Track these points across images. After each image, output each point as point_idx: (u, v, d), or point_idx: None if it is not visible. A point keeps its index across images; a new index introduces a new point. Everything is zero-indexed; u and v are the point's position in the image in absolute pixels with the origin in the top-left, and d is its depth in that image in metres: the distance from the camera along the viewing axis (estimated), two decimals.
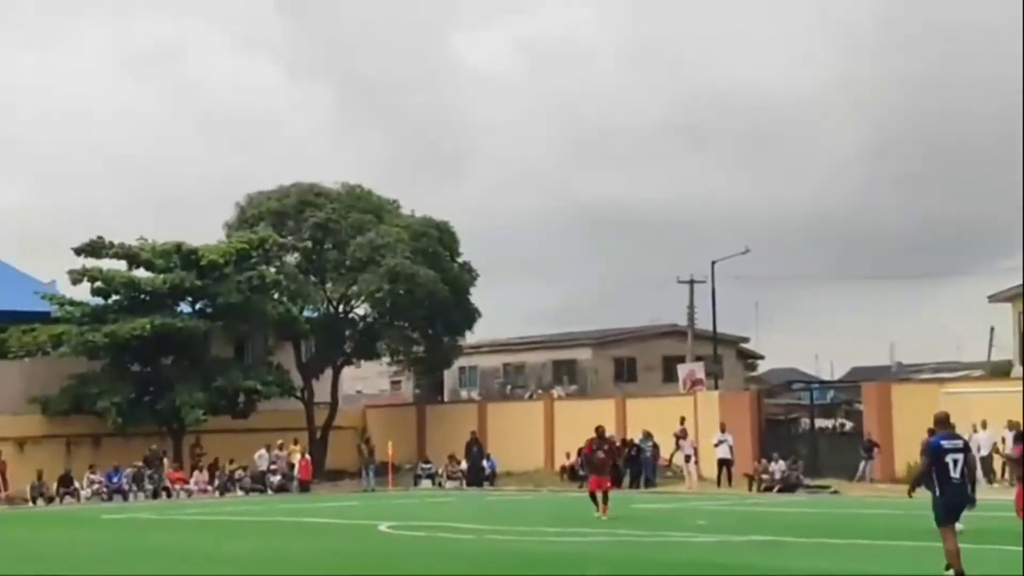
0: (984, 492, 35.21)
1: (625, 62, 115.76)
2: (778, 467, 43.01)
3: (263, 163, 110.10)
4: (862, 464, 42.79)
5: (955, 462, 16.66)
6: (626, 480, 44.95)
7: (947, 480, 16.63)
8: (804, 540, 24.01)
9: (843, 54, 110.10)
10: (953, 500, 16.75)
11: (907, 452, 40.90)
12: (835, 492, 40.33)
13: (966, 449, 17.22)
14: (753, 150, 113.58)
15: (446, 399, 69.04)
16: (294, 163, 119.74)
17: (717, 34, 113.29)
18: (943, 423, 17.39)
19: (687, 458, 44.66)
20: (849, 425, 48.91)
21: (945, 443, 16.80)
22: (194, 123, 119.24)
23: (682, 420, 46.04)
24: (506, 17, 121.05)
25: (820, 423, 49.36)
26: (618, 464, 33.91)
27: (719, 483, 44.10)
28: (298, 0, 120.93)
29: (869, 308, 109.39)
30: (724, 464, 44.45)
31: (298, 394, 53.17)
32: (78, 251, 48.70)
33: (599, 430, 31.88)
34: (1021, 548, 18.97)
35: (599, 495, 30.00)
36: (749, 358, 78.14)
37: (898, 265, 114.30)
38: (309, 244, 52.05)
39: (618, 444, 45.37)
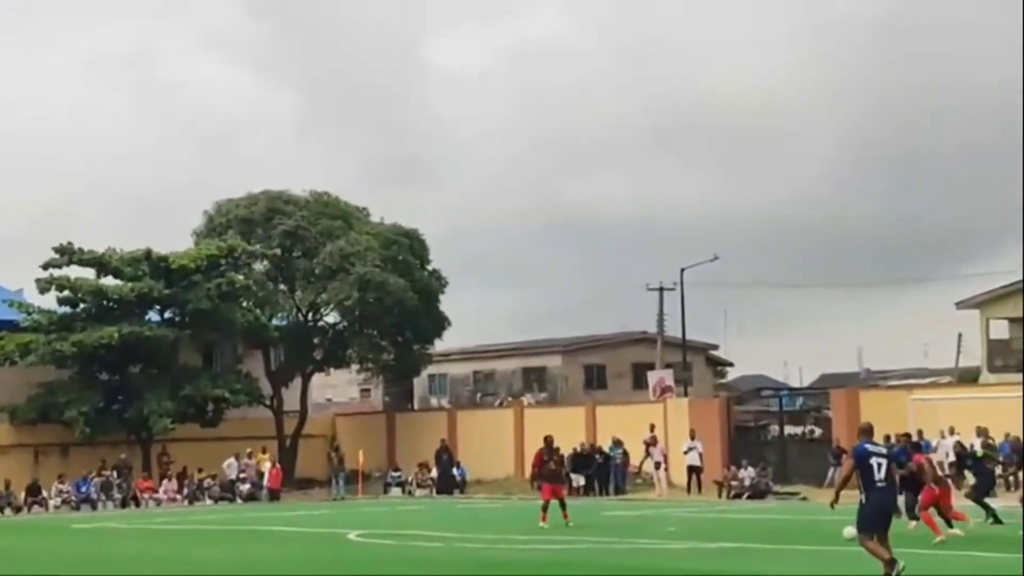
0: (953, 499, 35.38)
1: (597, 67, 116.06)
2: (747, 474, 43.10)
3: (231, 169, 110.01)
4: (831, 471, 42.88)
5: (879, 465, 17.24)
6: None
7: (872, 484, 17.18)
8: (773, 546, 24.08)
9: (814, 60, 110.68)
10: (879, 503, 17.22)
11: None
12: (804, 499, 40.40)
13: (890, 457, 17.82)
14: (723, 156, 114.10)
15: (416, 407, 68.93)
16: (263, 168, 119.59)
17: (691, 38, 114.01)
18: (868, 432, 17.91)
19: (657, 465, 44.72)
20: (818, 432, 48.99)
21: (869, 447, 17.42)
22: (162, 127, 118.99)
23: (652, 427, 46.11)
24: (477, 21, 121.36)
25: (789, 430, 49.49)
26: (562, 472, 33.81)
27: (689, 490, 44.20)
28: (268, 4, 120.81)
29: (838, 315, 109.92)
30: (694, 471, 44.53)
31: (267, 402, 53.05)
32: (46, 265, 48.40)
33: (547, 440, 32.06)
34: (1021, 554, 19.21)
35: (553, 503, 29.93)
36: (718, 365, 78.34)
37: (866, 272, 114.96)
38: (278, 252, 51.88)
39: (587, 450, 45.68)
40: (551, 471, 31.13)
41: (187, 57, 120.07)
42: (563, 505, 29.95)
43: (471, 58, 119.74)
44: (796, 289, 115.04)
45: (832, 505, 17.93)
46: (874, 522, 17.23)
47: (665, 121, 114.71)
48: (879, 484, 17.18)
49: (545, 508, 29.86)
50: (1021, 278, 51.78)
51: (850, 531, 18.04)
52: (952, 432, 39.34)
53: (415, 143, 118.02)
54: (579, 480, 45.53)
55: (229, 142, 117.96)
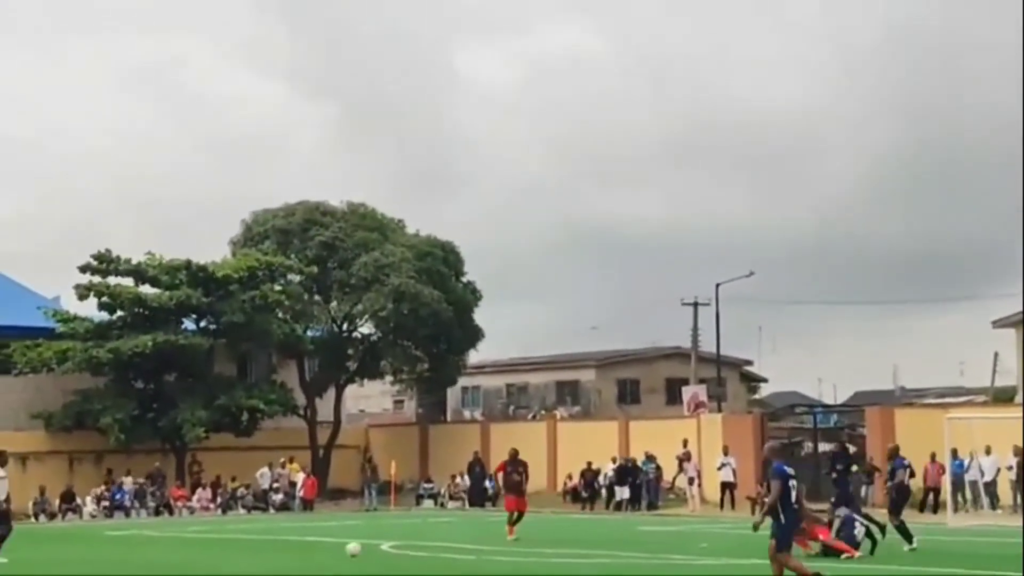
0: (988, 518, 35.27)
1: (629, 81, 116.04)
2: None
3: (265, 181, 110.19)
4: (864, 489, 42.67)
5: (794, 487, 17.48)
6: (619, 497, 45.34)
7: (789, 505, 17.38)
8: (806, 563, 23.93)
9: (847, 76, 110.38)
10: (793, 524, 17.61)
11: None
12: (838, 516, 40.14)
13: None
14: (757, 171, 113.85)
15: (449, 419, 69.04)
16: (296, 181, 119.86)
17: (720, 54, 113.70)
18: (781, 452, 18.59)
19: (690, 481, 44.63)
20: (852, 449, 48.72)
21: (788, 469, 17.66)
22: (196, 140, 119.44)
23: (685, 443, 46.00)
24: (509, 35, 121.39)
25: (823, 447, 49.20)
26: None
27: (722, 506, 44.06)
28: (301, 19, 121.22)
29: (873, 332, 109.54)
30: (727, 487, 44.39)
31: (301, 412, 53.18)
32: (83, 268, 48.73)
33: (512, 453, 32.28)
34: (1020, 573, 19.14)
35: (514, 515, 30.36)
36: (752, 381, 78.12)
37: (902, 289, 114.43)
38: (315, 270, 51.99)
39: (631, 464, 45.68)
40: (514, 482, 31.37)
41: (219, 69, 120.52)
42: (519, 518, 30.37)
43: (503, 72, 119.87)
44: (831, 306, 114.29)
45: (756, 527, 17.80)
46: (791, 539, 17.63)
47: (696, 137, 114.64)
48: (795, 506, 17.57)
49: (511, 520, 30.33)
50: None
51: None
52: (988, 452, 39.14)
53: (446, 155, 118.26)
54: (623, 493, 45.60)
55: (263, 154, 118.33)
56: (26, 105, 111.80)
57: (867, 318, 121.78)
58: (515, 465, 31.91)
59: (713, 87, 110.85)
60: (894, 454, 27.90)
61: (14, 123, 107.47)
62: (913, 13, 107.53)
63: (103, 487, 46.40)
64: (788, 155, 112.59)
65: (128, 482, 46.68)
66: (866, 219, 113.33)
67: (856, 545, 24.77)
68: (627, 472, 45.97)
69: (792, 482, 17.43)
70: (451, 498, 49.68)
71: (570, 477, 49.16)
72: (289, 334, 50.87)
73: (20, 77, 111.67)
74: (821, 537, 25.17)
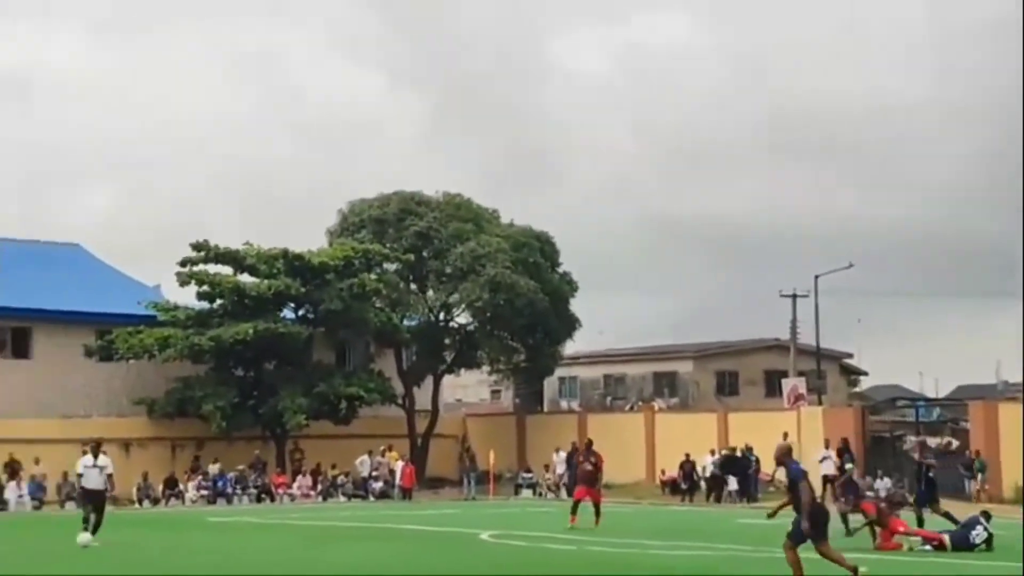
0: None
1: (728, 73, 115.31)
2: (883, 484, 42.30)
3: (361, 171, 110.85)
4: (966, 482, 42.17)
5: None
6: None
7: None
8: (908, 559, 23.69)
9: (950, 68, 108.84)
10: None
11: (1014, 471, 40.27)
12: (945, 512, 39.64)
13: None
14: (857, 164, 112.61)
15: (546, 409, 69.00)
16: (392, 172, 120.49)
17: (821, 46, 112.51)
18: (791, 452, 19.30)
19: None
20: (955, 444, 48.05)
21: (803, 467, 18.47)
22: (294, 130, 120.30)
23: (785, 435, 45.52)
24: (605, 26, 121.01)
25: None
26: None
27: (823, 499, 43.57)
28: (397, 9, 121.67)
29: (975, 326, 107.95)
30: (828, 481, 43.87)
31: (399, 401, 53.41)
32: (183, 262, 49.18)
33: (587, 443, 32.57)
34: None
35: (585, 504, 30.92)
36: (852, 374, 77.27)
37: (1004, 282, 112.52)
38: (411, 257, 52.20)
39: (743, 453, 45.31)
40: (585, 472, 31.68)
41: (315, 59, 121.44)
42: (597, 510, 30.95)
43: (599, 63, 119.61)
44: (932, 299, 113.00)
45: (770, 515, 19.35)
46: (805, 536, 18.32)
47: (798, 130, 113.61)
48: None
49: (574, 509, 31.06)
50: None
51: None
52: None
53: (542, 146, 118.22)
54: (732, 484, 45.30)
55: (360, 144, 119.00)
56: (128, 96, 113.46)
57: (969, 312, 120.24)
58: (588, 455, 32.07)
59: (813, 79, 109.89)
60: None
61: (118, 115, 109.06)
62: (1017, 7, 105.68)
63: (199, 475, 46.77)
64: (890, 147, 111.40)
65: (214, 470, 47.04)
66: (969, 211, 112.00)
67: (972, 546, 24.55)
68: (732, 462, 45.63)
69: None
70: (549, 489, 49.65)
71: (663, 472, 48.97)
72: (386, 323, 51.09)
73: (120, 68, 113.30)
74: (901, 529, 25.25)
